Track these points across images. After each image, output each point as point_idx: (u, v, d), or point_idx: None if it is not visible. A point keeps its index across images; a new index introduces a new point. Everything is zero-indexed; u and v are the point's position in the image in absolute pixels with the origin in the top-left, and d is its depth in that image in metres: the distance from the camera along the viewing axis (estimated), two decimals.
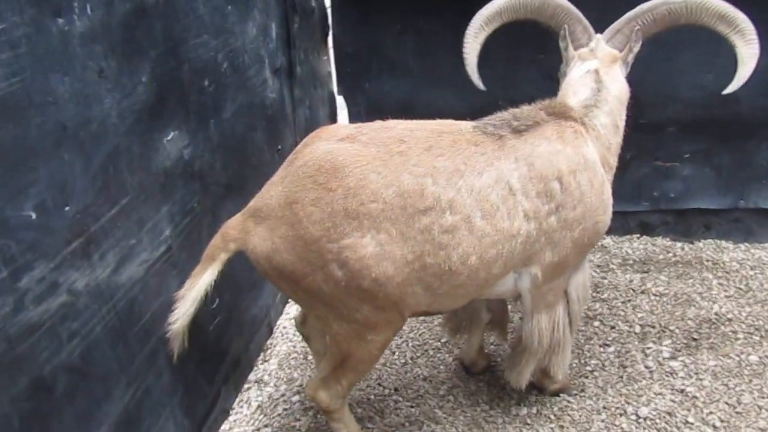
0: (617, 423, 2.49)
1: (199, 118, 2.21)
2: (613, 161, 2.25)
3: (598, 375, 2.74)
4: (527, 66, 3.34)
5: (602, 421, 2.51)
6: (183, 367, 2.10)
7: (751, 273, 3.27)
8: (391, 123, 2.01)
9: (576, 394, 2.65)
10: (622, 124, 2.27)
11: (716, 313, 3.03)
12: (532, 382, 2.60)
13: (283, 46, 2.98)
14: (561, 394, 2.64)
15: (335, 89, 3.69)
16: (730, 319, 2.98)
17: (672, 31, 3.03)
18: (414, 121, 2.04)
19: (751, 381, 2.62)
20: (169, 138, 2.02)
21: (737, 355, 2.77)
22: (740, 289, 3.18)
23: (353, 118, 3.71)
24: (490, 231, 1.90)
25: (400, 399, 2.70)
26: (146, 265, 1.91)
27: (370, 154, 1.84)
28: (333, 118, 3.68)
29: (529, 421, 2.54)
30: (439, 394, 2.72)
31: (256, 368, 2.90)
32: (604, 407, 2.57)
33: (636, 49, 2.25)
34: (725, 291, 3.17)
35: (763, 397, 2.54)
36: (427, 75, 3.47)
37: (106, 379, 1.74)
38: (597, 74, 2.22)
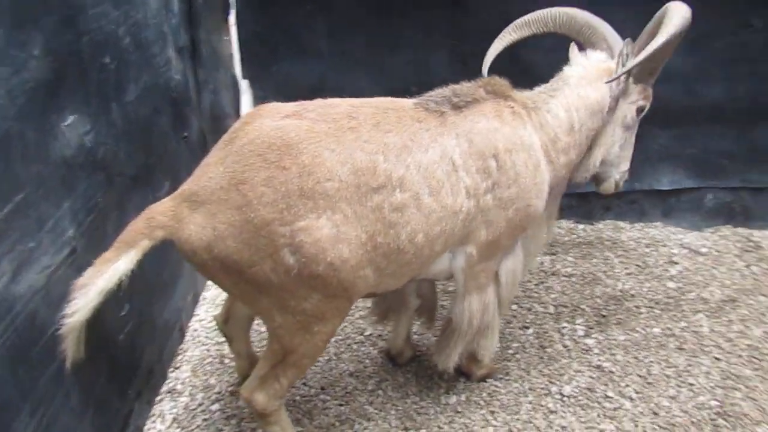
0: (543, 403, 2.55)
1: (100, 100, 1.94)
2: (557, 158, 2.23)
3: (521, 357, 2.79)
4: (440, 51, 3.31)
5: (529, 402, 2.55)
6: (93, 384, 1.85)
7: (647, 250, 3.50)
8: (334, 100, 1.93)
9: (502, 378, 2.68)
10: (583, 130, 2.25)
11: (620, 290, 3.20)
12: (460, 369, 2.60)
13: (185, 22, 2.72)
14: (488, 380, 2.66)
15: (238, 72, 3.44)
16: (633, 295, 3.17)
17: None
18: (354, 99, 1.97)
19: (657, 352, 2.79)
20: (67, 122, 1.75)
21: (642, 329, 2.94)
22: (638, 266, 3.39)
23: (259, 103, 3.48)
24: (436, 208, 1.89)
25: (328, 398, 2.59)
26: (48, 272, 1.64)
27: (322, 131, 1.76)
28: (237, 104, 3.44)
29: (459, 409, 2.53)
30: (367, 389, 2.64)
31: (168, 377, 2.64)
32: (530, 389, 2.62)
33: (628, 63, 2.15)
34: (626, 269, 3.37)
35: (669, 367, 2.71)
36: (338, 58, 3.33)
37: (3, 410, 1.46)
38: (564, 74, 2.27)
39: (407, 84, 3.39)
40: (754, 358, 2.75)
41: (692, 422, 2.45)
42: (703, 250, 3.49)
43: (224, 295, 3.09)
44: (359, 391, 2.62)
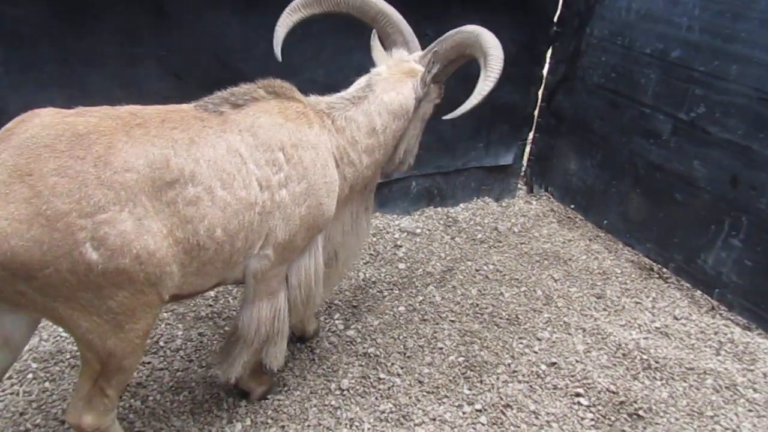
0: (327, 402, 2.61)
1: None
2: (358, 159, 2.30)
3: (293, 365, 2.80)
4: (147, 63, 3.04)
5: (314, 406, 2.58)
6: None
7: (375, 239, 3.84)
8: (113, 107, 1.83)
9: (281, 391, 2.64)
10: (388, 132, 2.35)
11: (363, 280, 3.45)
12: (238, 387, 2.49)
13: None
14: (269, 396, 2.60)
15: None
16: (374, 282, 3.44)
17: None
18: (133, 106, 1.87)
19: (407, 328, 3.10)
20: None
21: (390, 310, 3.23)
22: (372, 254, 3.69)
23: None
24: (231, 200, 1.88)
25: None
26: None
27: (110, 126, 1.69)
28: None
29: None
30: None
31: None
32: (311, 392, 2.65)
33: (434, 70, 2.32)
34: (362, 259, 3.64)
35: (420, 338, 3.04)
36: (19, 76, 2.79)
37: None
38: (370, 78, 2.35)
39: (113, 101, 3.06)
40: (478, 313, 3.26)
41: (450, 380, 2.80)
42: (418, 230, 3.98)
43: None
44: None
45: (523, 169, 4.65)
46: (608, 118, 3.88)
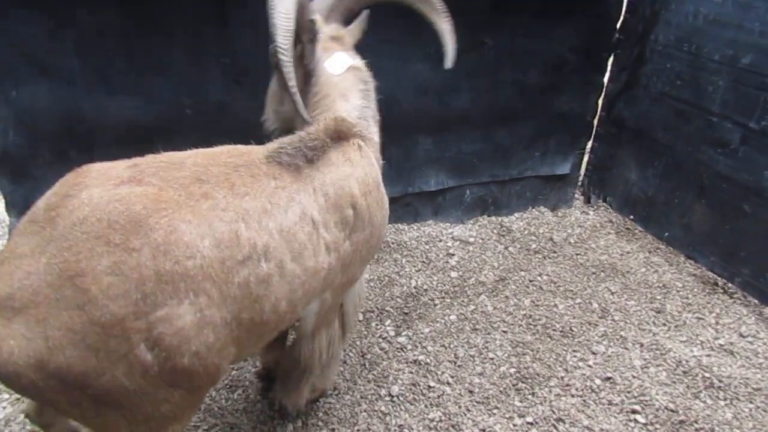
0: (377, 408, 2.63)
1: None
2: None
3: (344, 369, 2.83)
4: (211, 71, 3.16)
5: (364, 411, 2.61)
6: None
7: (427, 247, 3.84)
8: (173, 157, 1.63)
9: (332, 394, 2.68)
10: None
11: (414, 287, 3.45)
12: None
13: None
14: (320, 400, 2.64)
15: None
16: (425, 290, 3.44)
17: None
18: (196, 152, 1.69)
19: (458, 336, 3.08)
20: None
21: (441, 318, 3.22)
22: (424, 262, 3.70)
23: None
24: (299, 273, 1.72)
25: None
26: None
27: (172, 200, 1.48)
28: None
29: None
30: None
31: None
32: (362, 397, 2.68)
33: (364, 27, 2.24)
34: (414, 267, 3.64)
35: (471, 347, 3.02)
36: (93, 80, 2.95)
37: None
38: (360, 71, 2.17)
39: (179, 106, 3.19)
40: (531, 324, 3.21)
41: (500, 391, 2.76)
42: (471, 239, 3.96)
43: None
44: None
45: (581, 178, 4.55)
46: (672, 126, 3.75)
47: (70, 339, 1.32)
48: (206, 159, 1.66)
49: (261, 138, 3.24)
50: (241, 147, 1.82)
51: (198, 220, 1.50)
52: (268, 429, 2.48)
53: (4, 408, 2.45)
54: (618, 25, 3.97)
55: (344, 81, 2.12)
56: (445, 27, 2.31)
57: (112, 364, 1.36)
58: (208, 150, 1.73)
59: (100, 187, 1.45)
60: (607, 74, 4.18)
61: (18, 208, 3.12)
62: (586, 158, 4.50)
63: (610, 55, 4.09)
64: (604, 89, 4.19)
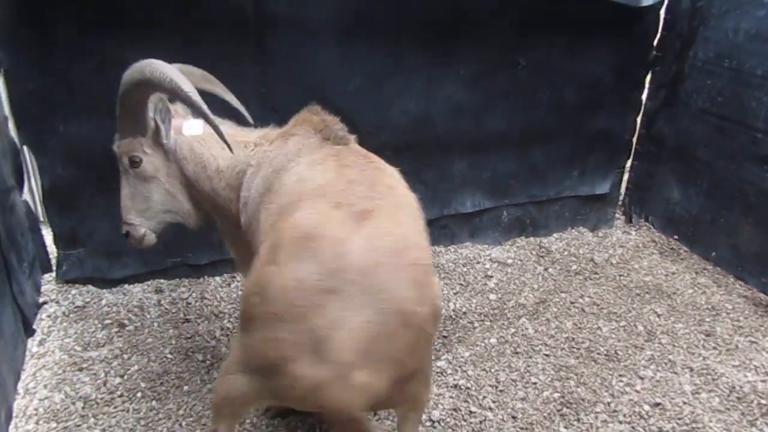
0: None
1: None
2: None
3: None
4: (251, 100, 3.22)
5: None
6: None
7: (465, 269, 3.80)
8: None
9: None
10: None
11: (453, 310, 3.41)
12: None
13: None
14: None
15: (15, 137, 2.94)
16: (464, 312, 3.40)
17: (380, 64, 3.38)
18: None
19: (499, 360, 3.02)
20: None
21: (481, 342, 3.16)
22: (462, 284, 3.66)
23: (45, 171, 3.02)
24: None
25: None
26: None
27: None
28: (20, 174, 2.92)
29: None
30: None
31: None
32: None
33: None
34: (452, 289, 3.61)
35: (513, 371, 2.95)
36: None
37: None
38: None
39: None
40: (573, 348, 3.13)
41: (544, 417, 2.69)
42: (509, 261, 3.91)
43: (36, 402, 2.59)
44: None
45: (621, 198, 4.47)
46: (714, 144, 3.66)
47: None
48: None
49: None
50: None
51: None
52: None
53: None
54: (655, 43, 3.92)
55: (211, 135, 2.22)
56: (229, 96, 2.62)
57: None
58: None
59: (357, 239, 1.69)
60: (645, 92, 4.12)
61: (65, 240, 3.20)
62: (626, 177, 4.42)
63: (647, 73, 4.03)
64: (642, 107, 4.12)
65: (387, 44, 3.34)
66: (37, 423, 2.52)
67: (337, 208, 1.69)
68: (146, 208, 2.35)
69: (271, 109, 3.30)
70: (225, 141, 2.05)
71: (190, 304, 3.32)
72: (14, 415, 2.54)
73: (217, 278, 3.55)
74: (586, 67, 3.78)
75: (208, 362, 2.92)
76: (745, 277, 3.63)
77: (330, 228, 1.62)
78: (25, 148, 2.96)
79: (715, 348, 3.14)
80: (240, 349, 1.77)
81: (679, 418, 2.66)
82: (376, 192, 1.82)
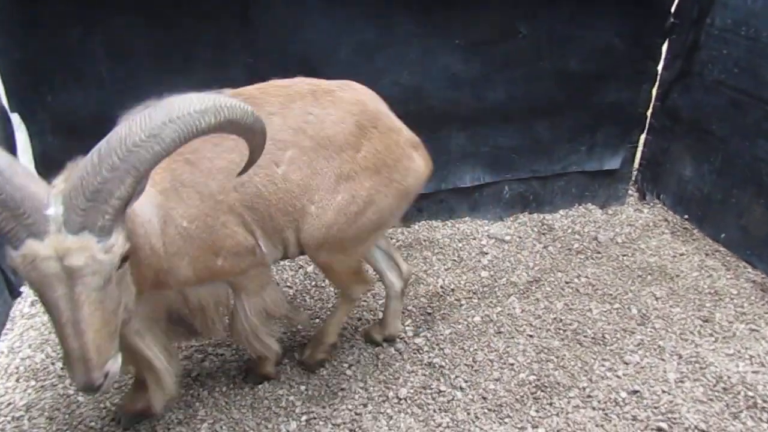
0: (383, 410, 2.57)
1: None
2: None
3: (357, 368, 2.79)
4: (236, 68, 3.20)
5: (369, 412, 2.56)
6: None
7: (460, 245, 3.72)
8: None
9: (340, 392, 2.65)
10: None
11: (441, 286, 3.36)
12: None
13: None
14: (326, 397, 2.62)
15: (6, 105, 3.01)
16: (452, 289, 3.34)
17: (371, 33, 3.28)
18: None
19: (480, 340, 2.97)
20: None
21: (465, 320, 3.11)
22: (455, 260, 3.59)
23: (36, 138, 3.09)
24: None
25: None
26: None
27: None
28: (9, 141, 3.00)
29: None
30: None
31: None
32: (369, 398, 2.63)
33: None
34: (444, 265, 3.54)
35: (491, 351, 2.89)
36: (122, 84, 3.06)
37: None
38: None
39: None
40: (560, 329, 3.04)
41: (516, 399, 2.63)
42: (507, 237, 3.80)
43: (18, 361, 2.71)
44: None
45: (634, 174, 4.26)
46: (728, 118, 3.43)
47: None
48: None
49: None
50: None
51: None
52: (272, 426, 2.50)
53: (29, 394, 2.60)
54: (672, 8, 3.66)
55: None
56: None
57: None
58: None
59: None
60: (662, 62, 3.88)
61: None
62: (639, 152, 4.21)
63: (664, 41, 3.79)
64: (658, 78, 3.88)
65: (378, 13, 3.24)
66: (17, 381, 2.64)
67: None
68: (115, 328, 1.63)
69: (260, 78, 3.27)
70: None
71: None
72: None
73: None
74: (595, 34, 3.58)
75: None
76: (754, 261, 3.42)
77: None
78: (15, 115, 3.03)
79: (711, 335, 2.99)
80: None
81: (656, 407, 2.56)
82: None
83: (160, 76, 3.10)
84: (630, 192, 4.27)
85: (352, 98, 2.27)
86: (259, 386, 2.67)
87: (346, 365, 2.81)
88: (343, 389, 2.67)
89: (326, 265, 2.41)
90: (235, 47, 3.14)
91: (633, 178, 4.28)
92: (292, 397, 2.63)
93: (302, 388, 2.67)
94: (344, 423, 2.51)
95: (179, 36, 3.04)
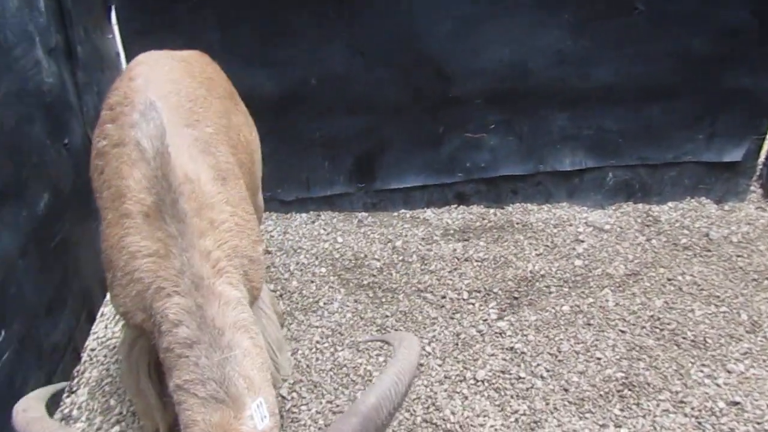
0: (458, 390, 2.56)
1: None
2: None
3: (436, 346, 2.79)
4: (335, 42, 3.24)
5: (445, 390, 2.56)
6: None
7: (555, 231, 3.58)
8: None
9: (418, 367, 2.67)
10: None
11: (531, 271, 3.25)
12: None
13: (56, 21, 2.52)
14: None
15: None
16: (543, 275, 3.23)
17: (472, 7, 3.20)
18: None
19: (567, 330, 2.86)
20: None
21: (552, 308, 3.00)
22: (547, 246, 3.46)
23: None
24: None
25: None
26: None
27: None
28: None
29: None
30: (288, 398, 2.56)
31: (62, 403, 2.46)
32: (446, 377, 2.62)
33: None
34: (535, 250, 3.43)
35: (578, 343, 2.78)
36: (230, 52, 3.19)
37: None
38: None
39: (306, 77, 3.33)
40: (656, 328, 2.86)
41: (600, 395, 2.52)
42: (607, 227, 3.60)
43: None
44: None
45: (759, 168, 3.87)
46: None
47: None
48: None
49: (380, 109, 3.29)
50: None
51: None
52: (348, 392, 2.56)
53: None
54: None
55: None
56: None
57: None
58: None
59: None
60: None
61: None
62: (766, 145, 3.81)
63: None
64: None
65: None
66: None
67: None
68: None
69: (359, 52, 3.29)
70: None
71: (273, 236, 3.53)
72: (97, 318, 2.93)
73: (303, 215, 3.71)
74: (721, 11, 3.26)
75: (278, 292, 3.11)
76: None
77: None
78: None
79: None
80: None
81: (758, 422, 2.35)
82: None
83: (265, 48, 3.22)
84: (752, 188, 3.89)
85: None
86: (339, 353, 2.74)
87: (426, 341, 2.81)
88: (420, 364, 2.67)
89: None
90: (335, 22, 3.18)
91: (758, 173, 3.89)
92: (369, 367, 2.68)
93: (381, 359, 2.71)
94: (418, 398, 2.52)
95: (283, 8, 3.12)
